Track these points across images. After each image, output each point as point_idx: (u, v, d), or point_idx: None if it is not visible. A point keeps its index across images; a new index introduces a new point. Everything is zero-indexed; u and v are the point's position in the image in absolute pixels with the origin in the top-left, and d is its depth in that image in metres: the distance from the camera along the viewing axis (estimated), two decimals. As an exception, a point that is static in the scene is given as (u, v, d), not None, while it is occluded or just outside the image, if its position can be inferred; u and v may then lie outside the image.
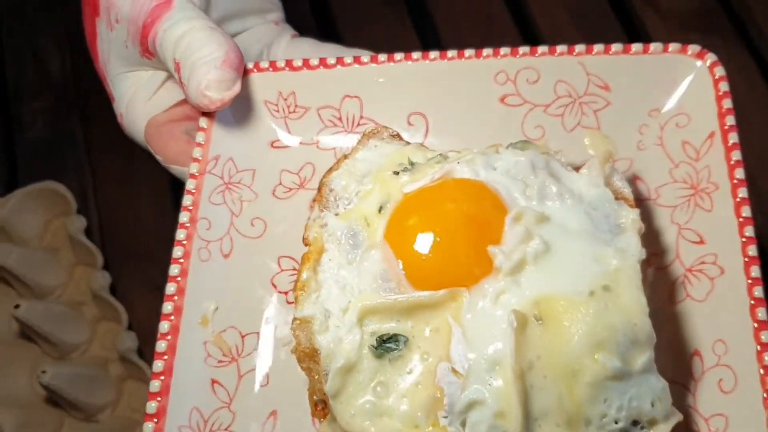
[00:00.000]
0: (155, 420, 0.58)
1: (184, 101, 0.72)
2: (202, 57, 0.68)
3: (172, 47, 0.68)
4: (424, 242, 0.59)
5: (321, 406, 0.61)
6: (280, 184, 0.72)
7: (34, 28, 1.76)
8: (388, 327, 0.57)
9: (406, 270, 0.59)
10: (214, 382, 0.63)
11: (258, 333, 0.66)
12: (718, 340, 0.55)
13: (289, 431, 0.62)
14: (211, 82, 0.68)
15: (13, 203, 1.29)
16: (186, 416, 0.60)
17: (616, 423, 0.52)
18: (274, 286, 0.68)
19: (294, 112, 0.74)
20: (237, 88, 0.69)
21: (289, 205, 0.72)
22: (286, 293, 0.68)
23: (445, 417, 0.54)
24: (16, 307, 1.11)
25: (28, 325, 1.14)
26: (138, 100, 0.76)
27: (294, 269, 0.68)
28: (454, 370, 0.55)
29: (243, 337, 0.65)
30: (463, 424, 0.54)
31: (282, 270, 0.69)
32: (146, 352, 1.24)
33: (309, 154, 0.73)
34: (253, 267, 0.68)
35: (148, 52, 0.71)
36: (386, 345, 0.57)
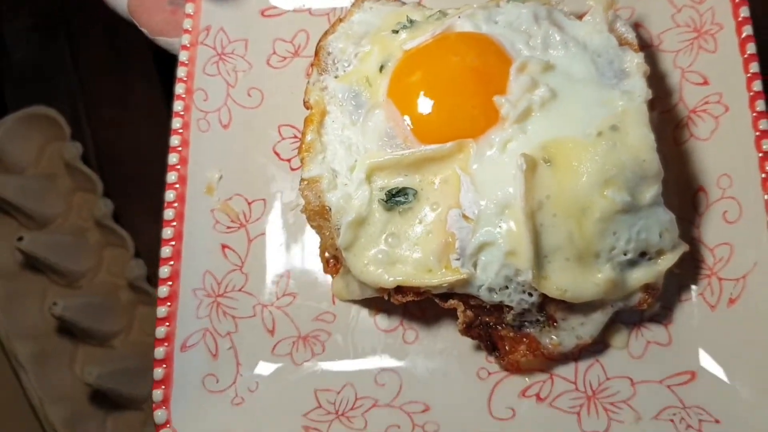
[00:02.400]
0: (170, 283, 0.59)
1: None
2: None
3: None
4: (429, 96, 0.59)
5: (333, 263, 0.62)
6: (274, 53, 0.71)
7: None
8: (397, 181, 0.57)
9: (412, 125, 0.59)
10: (224, 246, 0.63)
11: (264, 200, 0.66)
12: (723, 174, 0.56)
13: (302, 289, 0.63)
14: None
15: (4, 130, 1.24)
16: (200, 279, 0.61)
17: (625, 255, 0.54)
18: (277, 153, 0.68)
19: None
20: None
21: (284, 73, 0.70)
22: (289, 160, 0.67)
23: (458, 259, 0.55)
24: (20, 239, 1.09)
25: (33, 256, 1.12)
26: None
27: (295, 137, 0.68)
28: (464, 216, 0.55)
29: (249, 203, 0.65)
30: (475, 265, 0.55)
31: (283, 138, 0.68)
32: (154, 278, 1.25)
33: (302, 21, 0.71)
34: (254, 136, 0.68)
35: None
36: (395, 198, 0.57)
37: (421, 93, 0.59)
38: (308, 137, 0.61)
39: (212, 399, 0.58)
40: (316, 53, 0.65)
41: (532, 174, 0.53)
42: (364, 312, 0.62)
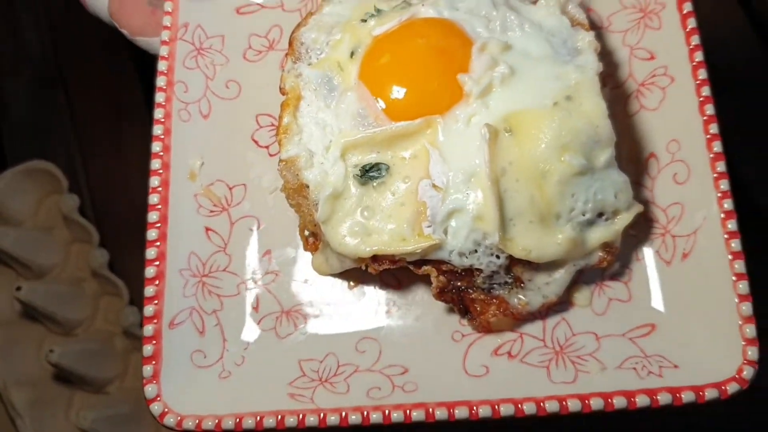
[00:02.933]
0: (156, 263, 0.62)
1: None
2: None
3: None
4: (397, 77, 0.63)
5: (312, 240, 0.65)
6: (250, 47, 0.74)
7: (10, 2, 1.71)
8: (370, 158, 0.61)
9: (383, 105, 0.62)
10: (207, 229, 0.66)
11: (245, 184, 0.69)
12: (671, 140, 0.60)
13: (283, 266, 0.66)
14: None
15: (4, 184, 1.26)
16: (185, 260, 0.63)
17: (584, 215, 0.57)
18: (255, 141, 0.71)
19: None
20: None
21: (260, 67, 0.74)
22: (267, 147, 0.71)
23: (429, 227, 0.58)
24: (18, 289, 1.10)
25: (31, 305, 1.14)
26: None
27: (272, 125, 0.71)
28: (434, 186, 0.59)
29: (230, 188, 0.68)
30: (446, 231, 0.58)
31: (260, 126, 0.71)
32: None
33: (275, 17, 0.75)
34: (233, 125, 0.71)
35: None
36: (369, 174, 0.61)
37: (390, 74, 0.63)
38: (285, 120, 0.64)
39: (200, 374, 0.61)
40: (290, 44, 0.69)
41: (495, 143, 0.57)
42: (343, 284, 0.65)
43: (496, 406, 0.52)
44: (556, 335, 0.59)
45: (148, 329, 0.60)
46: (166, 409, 0.57)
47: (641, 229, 0.61)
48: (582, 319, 0.60)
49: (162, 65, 0.69)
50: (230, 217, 0.67)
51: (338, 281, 0.65)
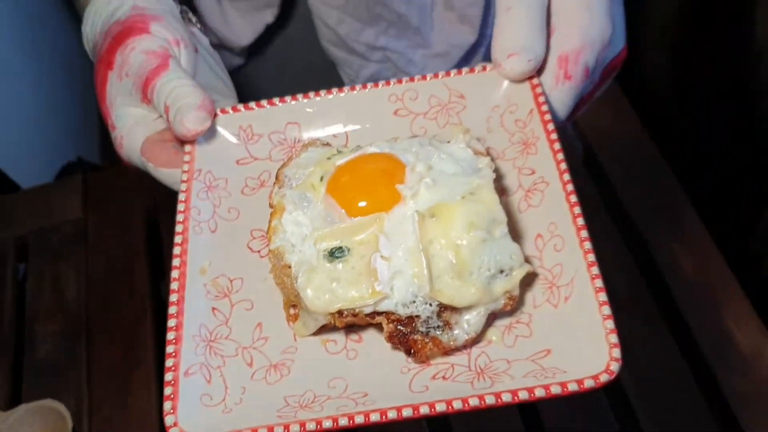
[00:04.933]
0: (175, 331, 0.81)
1: None
2: (185, 102, 0.97)
3: (164, 95, 0.97)
4: (353, 189, 0.88)
5: (293, 311, 0.86)
6: (246, 186, 1.00)
7: (57, 255, 2.00)
8: (335, 243, 0.84)
9: (343, 208, 0.87)
10: (214, 309, 0.86)
11: (242, 278, 0.90)
12: (551, 222, 0.84)
13: (271, 334, 0.85)
14: (190, 119, 0.96)
15: (15, 419, 1.39)
16: (197, 329, 0.83)
17: (489, 271, 0.80)
18: (250, 248, 0.94)
19: (251, 138, 1.03)
20: (208, 123, 0.98)
21: (254, 198, 0.99)
22: (258, 251, 0.93)
23: (379, 286, 0.80)
24: None
25: None
26: (138, 126, 1.03)
27: (263, 236, 0.94)
28: (382, 257, 0.81)
29: (231, 280, 0.90)
30: (392, 289, 0.80)
31: (254, 238, 0.95)
32: None
33: (265, 165, 1.02)
34: (234, 237, 0.94)
35: (146, 99, 1.00)
36: (335, 255, 0.83)
37: (348, 188, 0.88)
38: (273, 223, 0.88)
39: (207, 410, 0.77)
40: (277, 177, 0.95)
41: (423, 224, 0.81)
42: (317, 341, 0.85)
43: (433, 406, 0.70)
44: (478, 362, 0.78)
45: (168, 376, 0.78)
46: (181, 430, 0.74)
47: (536, 286, 0.83)
48: (496, 351, 0.79)
49: (182, 197, 0.93)
50: (231, 300, 0.88)
51: (313, 340, 0.85)
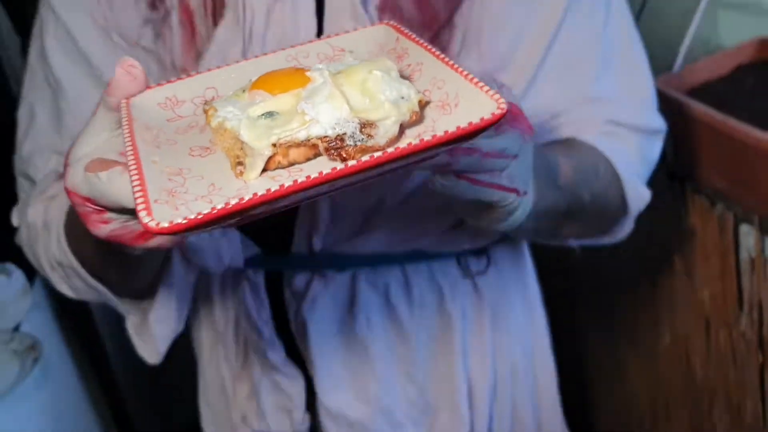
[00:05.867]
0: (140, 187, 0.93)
1: None
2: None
3: None
4: (272, 79, 1.07)
5: (241, 168, 0.98)
6: (178, 129, 1.16)
7: None
8: (266, 110, 1.02)
9: (266, 92, 1.05)
10: (170, 179, 0.98)
11: (189, 167, 1.04)
12: (432, 78, 1.08)
13: (224, 186, 0.96)
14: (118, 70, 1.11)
15: None
16: (158, 192, 0.95)
17: (393, 95, 0.99)
18: (191, 154, 1.08)
19: (177, 104, 1.20)
20: (137, 71, 1.01)
21: (189, 135, 1.15)
22: (199, 155, 1.08)
23: (308, 117, 0.97)
24: None
25: None
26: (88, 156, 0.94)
27: (201, 147, 1.10)
28: (306, 103, 1.00)
29: (180, 168, 1.03)
30: (318, 116, 0.97)
31: (193, 149, 1.09)
32: None
33: (193, 120, 1.19)
34: (176, 149, 1.08)
35: None
36: (267, 116, 1.00)
37: (268, 79, 1.08)
38: (209, 113, 1.05)
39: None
40: (205, 111, 1.13)
41: (334, 78, 1.02)
42: (266, 179, 0.98)
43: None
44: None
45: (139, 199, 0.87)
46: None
47: (431, 109, 1.03)
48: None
49: (125, 128, 1.08)
50: (183, 176, 1.00)
51: (262, 179, 0.98)
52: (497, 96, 0.89)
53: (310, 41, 1.25)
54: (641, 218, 1.52)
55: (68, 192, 0.93)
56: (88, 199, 0.90)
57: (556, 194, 1.21)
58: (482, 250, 1.55)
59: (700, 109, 2.21)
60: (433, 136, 0.87)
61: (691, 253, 2.30)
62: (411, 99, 1.01)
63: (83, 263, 1.26)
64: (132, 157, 0.96)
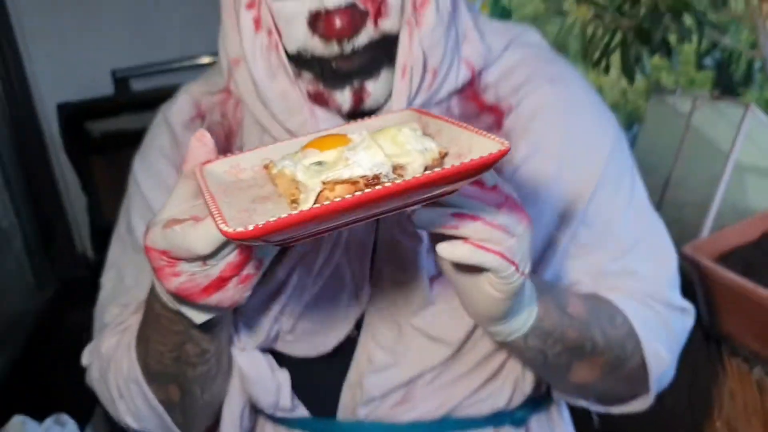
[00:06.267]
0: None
1: None
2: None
3: None
4: (321, 141, 1.32)
5: (295, 205, 1.20)
6: None
7: None
8: (316, 159, 1.26)
9: (315, 149, 1.30)
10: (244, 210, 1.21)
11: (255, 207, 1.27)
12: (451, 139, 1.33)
13: None
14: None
15: None
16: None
17: (418, 147, 1.24)
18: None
19: (240, 171, 1.47)
20: (207, 139, 1.17)
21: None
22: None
23: (350, 161, 1.21)
24: None
25: None
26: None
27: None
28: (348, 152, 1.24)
29: (245, 209, 1.26)
30: (359, 161, 1.21)
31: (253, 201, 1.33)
32: None
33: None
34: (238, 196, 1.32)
35: None
36: (317, 165, 1.25)
37: (317, 141, 1.33)
38: (269, 167, 1.30)
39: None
40: (265, 166, 1.38)
41: (371, 135, 1.27)
42: (315, 210, 1.21)
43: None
44: (424, 188, 1.18)
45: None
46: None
47: (449, 160, 1.27)
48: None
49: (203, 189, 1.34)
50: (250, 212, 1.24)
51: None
52: (503, 140, 1.13)
53: (347, 123, 1.48)
54: (681, 380, 1.49)
55: (147, 249, 1.07)
56: (164, 252, 1.05)
57: (563, 318, 1.27)
58: (521, 420, 1.55)
59: (729, 276, 2.28)
60: (452, 166, 1.09)
61: (733, 415, 2.26)
62: (433, 149, 1.24)
63: (148, 379, 1.41)
64: (207, 194, 1.19)
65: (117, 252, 1.60)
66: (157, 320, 1.28)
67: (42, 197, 4.19)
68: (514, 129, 1.42)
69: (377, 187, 1.00)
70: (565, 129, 1.42)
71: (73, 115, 4.03)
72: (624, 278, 1.45)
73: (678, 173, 2.90)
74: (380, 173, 1.17)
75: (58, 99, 4.17)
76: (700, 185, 2.84)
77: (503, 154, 1.08)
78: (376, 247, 1.42)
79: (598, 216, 1.45)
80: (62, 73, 4.58)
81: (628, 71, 3.27)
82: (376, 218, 1.15)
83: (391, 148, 1.21)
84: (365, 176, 1.18)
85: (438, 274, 1.41)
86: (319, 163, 1.22)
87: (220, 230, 0.94)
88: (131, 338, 1.40)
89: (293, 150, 1.19)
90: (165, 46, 4.65)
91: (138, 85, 4.41)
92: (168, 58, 4.51)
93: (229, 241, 1.04)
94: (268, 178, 1.16)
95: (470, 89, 1.44)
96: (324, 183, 1.17)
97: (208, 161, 1.13)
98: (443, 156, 1.23)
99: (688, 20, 2.90)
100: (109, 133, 4.40)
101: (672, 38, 2.82)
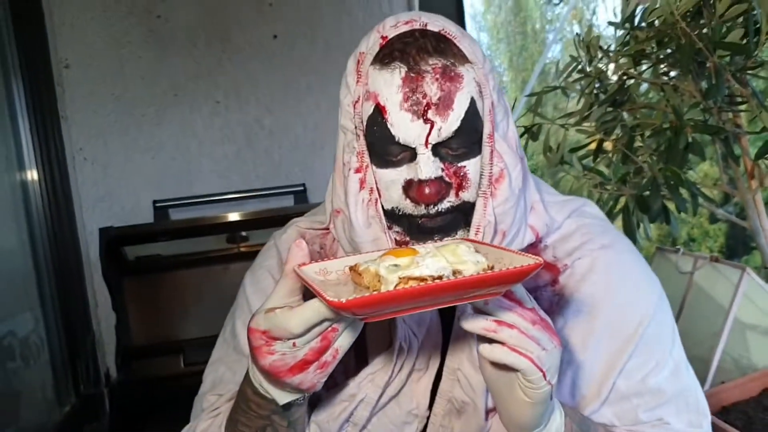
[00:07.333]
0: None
1: None
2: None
3: None
4: (395, 251, 1.60)
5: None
6: None
7: None
8: (393, 262, 1.54)
9: (392, 256, 1.58)
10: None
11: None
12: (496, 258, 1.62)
13: None
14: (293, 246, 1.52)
15: None
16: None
17: (471, 258, 1.53)
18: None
19: (326, 275, 1.73)
20: (303, 246, 1.39)
21: None
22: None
23: (420, 264, 1.49)
24: None
25: None
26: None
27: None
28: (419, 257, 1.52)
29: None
30: (427, 264, 1.49)
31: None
32: None
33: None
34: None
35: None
36: (394, 266, 1.52)
37: (392, 251, 1.61)
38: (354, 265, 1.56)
39: None
40: (351, 269, 1.65)
41: (435, 248, 1.55)
42: (390, 302, 1.47)
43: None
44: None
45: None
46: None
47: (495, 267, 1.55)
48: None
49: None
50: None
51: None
52: (537, 257, 1.42)
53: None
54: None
55: (250, 330, 1.32)
56: (265, 332, 1.30)
57: None
58: None
59: (730, 431, 2.44)
60: (499, 270, 1.38)
61: None
62: (483, 262, 1.53)
63: None
64: (309, 280, 1.45)
65: (220, 351, 1.79)
66: (246, 404, 1.45)
67: (72, 315, 4.32)
68: (567, 286, 1.60)
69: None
70: (613, 290, 1.59)
71: (114, 239, 4.13)
72: (657, 429, 1.54)
73: (681, 327, 3.09)
74: (443, 274, 1.44)
75: (100, 223, 4.40)
76: (704, 339, 2.95)
77: (537, 266, 1.36)
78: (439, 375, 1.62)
79: (638, 371, 1.56)
80: (107, 199, 4.81)
81: (629, 236, 3.61)
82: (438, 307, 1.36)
83: (450, 257, 1.50)
84: (431, 275, 1.45)
85: (492, 408, 1.58)
86: (396, 265, 1.50)
87: (327, 300, 1.25)
88: (223, 420, 1.55)
89: (373, 258, 1.39)
90: (203, 180, 5.02)
91: (176, 215, 4.66)
92: (205, 191, 4.85)
93: (317, 323, 1.31)
94: (351, 278, 1.41)
95: (533, 248, 1.66)
96: (400, 278, 1.44)
97: (304, 263, 1.39)
98: (491, 268, 1.51)
99: (684, 192, 3.20)
100: (143, 257, 4.57)
101: (672, 205, 3.15)
